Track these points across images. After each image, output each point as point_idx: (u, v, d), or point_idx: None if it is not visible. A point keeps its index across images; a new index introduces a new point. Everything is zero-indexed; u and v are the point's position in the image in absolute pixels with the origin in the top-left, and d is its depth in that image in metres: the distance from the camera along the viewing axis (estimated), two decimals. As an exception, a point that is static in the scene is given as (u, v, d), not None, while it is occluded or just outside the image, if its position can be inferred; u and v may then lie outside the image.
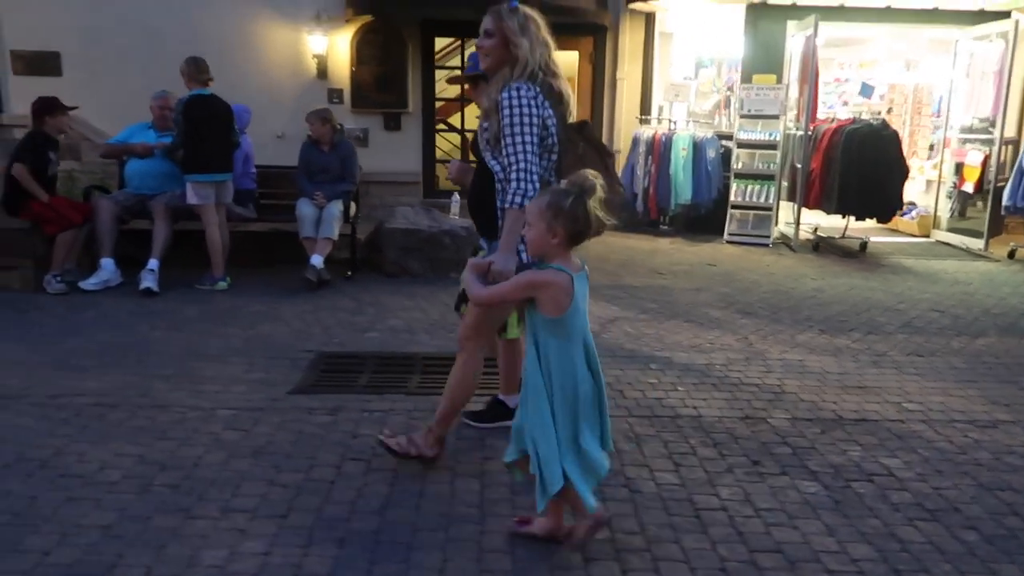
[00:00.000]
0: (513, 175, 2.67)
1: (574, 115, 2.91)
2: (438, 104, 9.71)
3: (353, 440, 3.22)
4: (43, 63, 9.04)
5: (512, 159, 2.67)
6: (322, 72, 9.29)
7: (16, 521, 2.53)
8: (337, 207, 5.96)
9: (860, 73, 10.28)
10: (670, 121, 8.92)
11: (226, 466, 2.94)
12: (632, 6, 9.05)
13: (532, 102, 2.67)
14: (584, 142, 2.90)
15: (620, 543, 2.52)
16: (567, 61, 11.37)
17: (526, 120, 2.66)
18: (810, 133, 8.01)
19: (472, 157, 3.16)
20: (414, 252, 6.20)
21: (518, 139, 2.66)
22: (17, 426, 3.24)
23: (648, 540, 2.54)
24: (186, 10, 8.98)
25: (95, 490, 2.74)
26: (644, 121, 9.18)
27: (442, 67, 9.80)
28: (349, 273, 6.16)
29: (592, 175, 2.30)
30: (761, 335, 4.96)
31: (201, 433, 3.22)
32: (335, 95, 9.36)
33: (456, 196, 7.25)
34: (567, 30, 9.35)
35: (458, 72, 9.36)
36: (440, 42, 9.78)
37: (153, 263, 5.54)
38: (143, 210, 5.84)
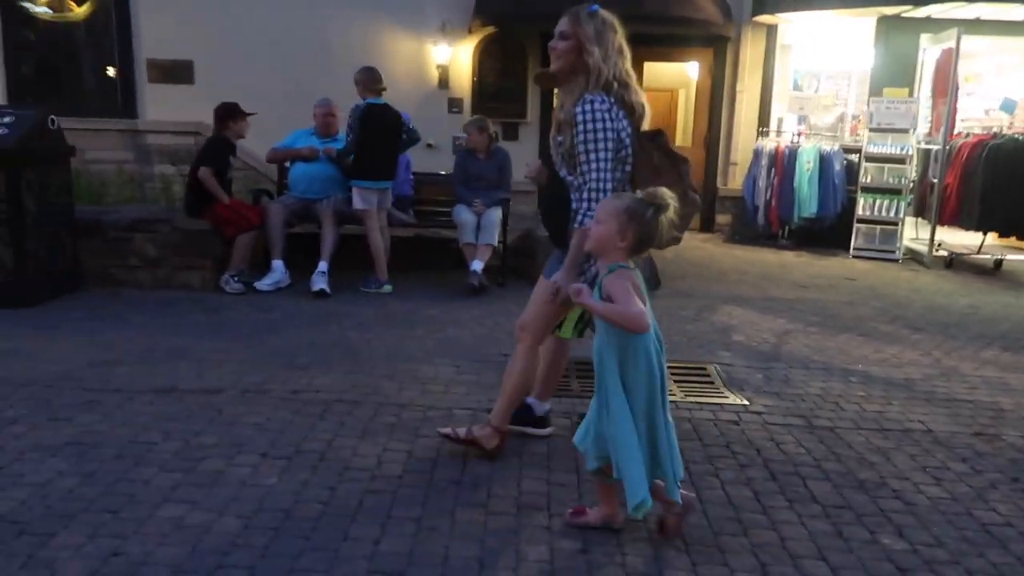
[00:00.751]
0: (586, 194, 2.63)
1: (648, 124, 2.84)
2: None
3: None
4: (177, 72, 9.38)
5: (588, 177, 2.62)
6: (443, 82, 9.46)
7: (330, 511, 2.62)
8: (497, 214, 6.06)
9: (980, 87, 10.06)
10: (793, 134, 8.85)
11: (495, 464, 3.01)
12: (757, 18, 9.03)
13: (607, 115, 2.62)
14: (658, 151, 2.83)
15: (923, 555, 2.50)
16: (677, 72, 11.40)
17: (600, 136, 2.61)
18: (947, 147, 7.87)
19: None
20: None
21: (591, 155, 2.62)
22: (280, 420, 3.36)
23: (951, 554, 2.52)
24: (314, 21, 9.23)
25: (386, 483, 2.83)
26: (764, 133, 9.13)
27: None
28: (501, 281, 6.24)
29: (669, 196, 2.32)
30: (943, 351, 4.89)
31: (451, 432, 3.30)
32: (455, 104, 9.53)
33: None
34: (688, 41, 9.41)
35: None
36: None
37: (323, 265, 5.70)
38: (308, 214, 6.01)
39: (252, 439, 3.16)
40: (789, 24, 9.10)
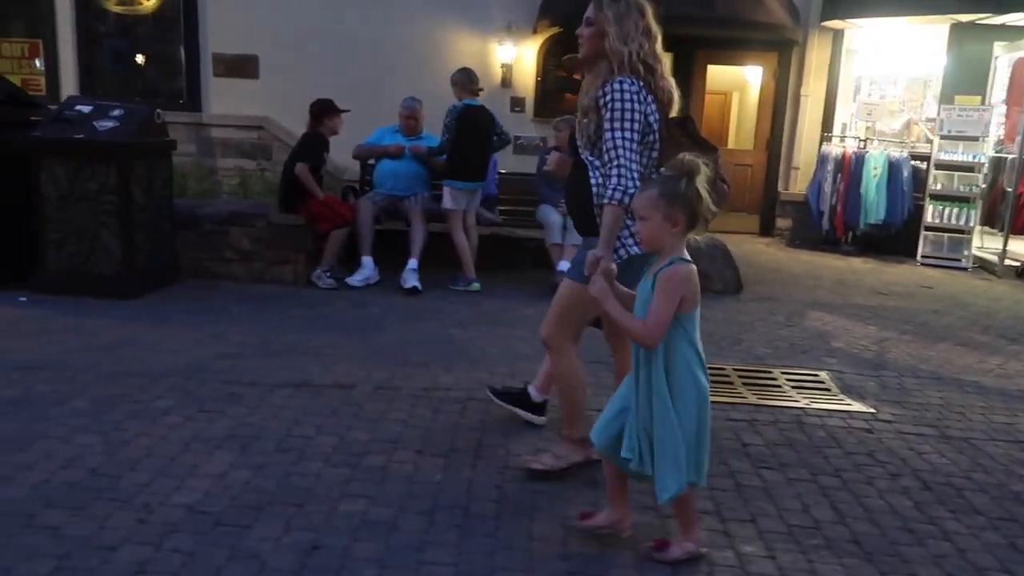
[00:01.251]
0: (613, 170, 2.57)
1: (676, 111, 2.79)
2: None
3: (744, 446, 3.29)
4: (242, 66, 9.43)
5: (612, 153, 2.58)
6: (506, 81, 9.47)
7: (507, 510, 2.65)
8: (582, 215, 6.06)
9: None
10: (860, 139, 8.81)
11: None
12: (826, 23, 8.99)
13: (635, 96, 2.59)
14: (686, 138, 2.77)
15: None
16: (732, 74, 11.35)
17: (627, 116, 2.57)
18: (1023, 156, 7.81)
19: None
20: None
21: (618, 134, 2.57)
22: (421, 417, 3.40)
23: None
24: (379, 19, 9.26)
25: (552, 483, 2.85)
26: (828, 139, 9.10)
27: (624, 79, 9.88)
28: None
29: (691, 158, 2.22)
30: (1048, 363, 4.86)
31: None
32: (517, 104, 9.55)
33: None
34: (752, 45, 9.37)
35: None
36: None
37: (413, 263, 5.73)
38: (395, 210, 6.05)
39: (403, 436, 3.19)
40: (858, 29, 9.05)
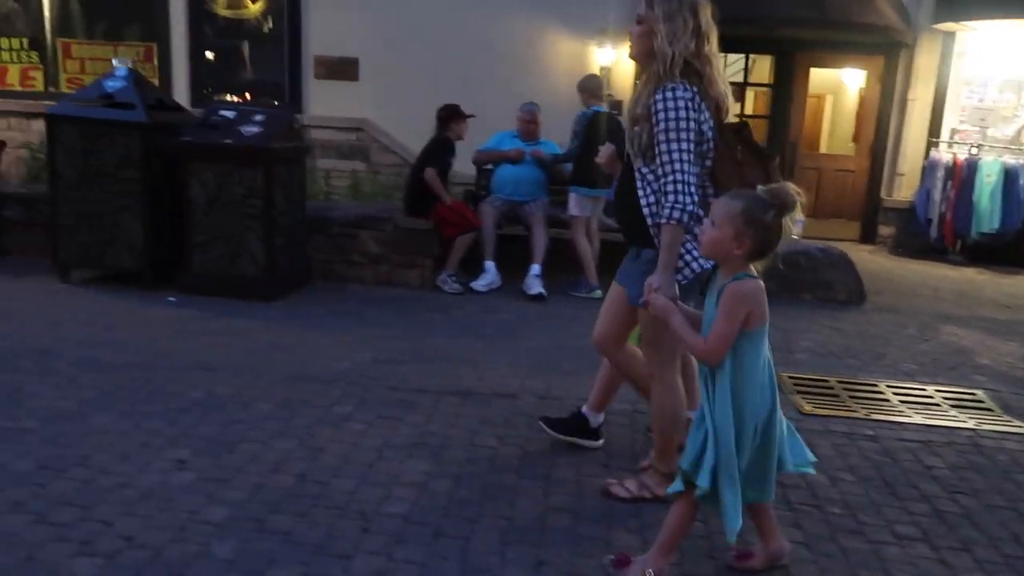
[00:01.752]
0: (670, 187, 2.46)
1: (730, 115, 2.65)
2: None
3: (927, 469, 3.22)
4: (342, 69, 9.58)
5: (667, 168, 2.47)
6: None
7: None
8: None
9: None
10: (971, 146, 8.54)
11: (860, 486, 2.99)
12: (937, 26, 8.73)
13: (688, 104, 2.46)
14: (743, 145, 2.63)
15: None
16: (827, 77, 11.11)
17: (682, 126, 2.45)
18: None
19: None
20: (770, 271, 6.17)
21: (673, 147, 2.46)
22: (620, 428, 3.41)
23: None
24: (476, 22, 9.31)
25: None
26: (936, 144, 8.84)
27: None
28: (702, 290, 6.18)
29: (795, 191, 2.12)
30: None
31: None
32: (614, 107, 9.47)
33: (801, 216, 7.17)
34: (859, 47, 9.16)
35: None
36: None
37: (536, 268, 5.76)
38: (515, 216, 6.08)
39: (581, 448, 3.20)
40: (970, 32, 8.77)
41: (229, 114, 5.27)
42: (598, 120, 5.68)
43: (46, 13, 9.04)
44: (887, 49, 9.09)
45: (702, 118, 2.51)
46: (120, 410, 3.30)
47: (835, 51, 9.29)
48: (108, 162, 5.05)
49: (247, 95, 9.26)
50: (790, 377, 4.29)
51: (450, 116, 5.86)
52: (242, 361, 3.99)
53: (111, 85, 5.18)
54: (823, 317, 5.66)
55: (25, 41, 9.11)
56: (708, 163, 2.59)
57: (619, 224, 2.94)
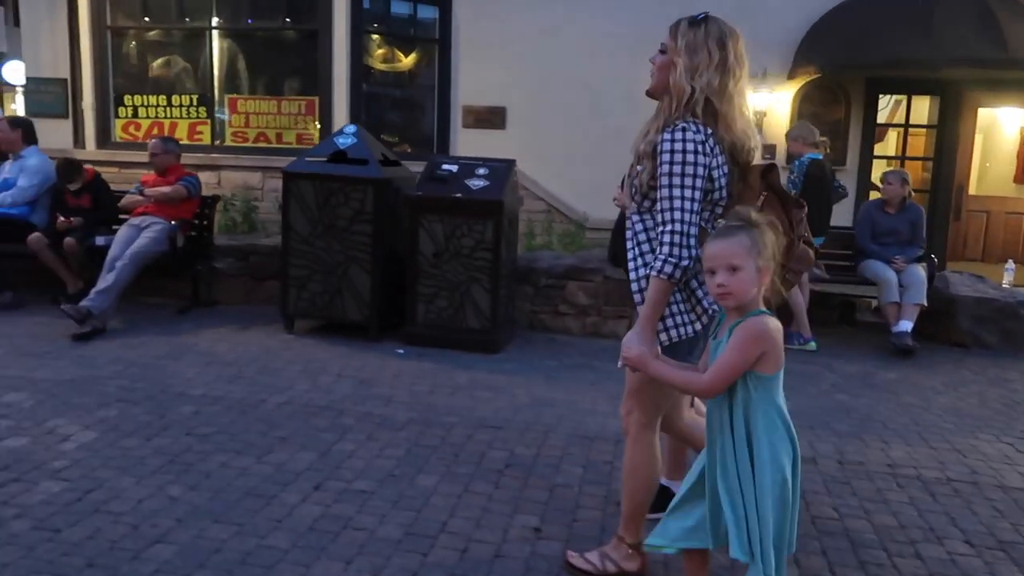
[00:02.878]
0: (667, 236, 2.20)
1: (756, 157, 2.41)
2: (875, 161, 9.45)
3: None
4: (490, 118, 9.72)
5: (667, 216, 2.21)
6: (756, 127, 9.31)
7: None
8: (920, 271, 5.79)
9: None
10: None
11: None
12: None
13: (700, 147, 2.21)
14: (768, 190, 2.38)
15: None
16: (986, 116, 10.70)
17: (689, 170, 2.20)
18: None
19: None
20: (987, 322, 5.89)
21: (676, 192, 2.20)
22: (949, 499, 3.23)
23: None
24: (627, 67, 9.16)
25: None
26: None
27: (884, 125, 9.55)
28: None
29: (756, 212, 2.03)
30: None
31: None
32: (767, 151, 9.36)
33: (1010, 263, 6.89)
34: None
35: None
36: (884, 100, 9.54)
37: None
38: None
39: (937, 523, 3.01)
40: None
41: (452, 167, 5.33)
42: (814, 167, 5.55)
43: (215, 72, 9.45)
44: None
45: (715, 163, 2.28)
46: (438, 471, 3.27)
47: (1005, 89, 8.98)
48: (341, 216, 5.15)
49: (406, 147, 9.50)
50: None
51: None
52: (517, 418, 3.94)
53: (343, 142, 5.31)
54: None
55: (195, 98, 9.53)
56: (718, 210, 2.36)
57: (612, 251, 2.78)
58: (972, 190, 11.19)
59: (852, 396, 4.63)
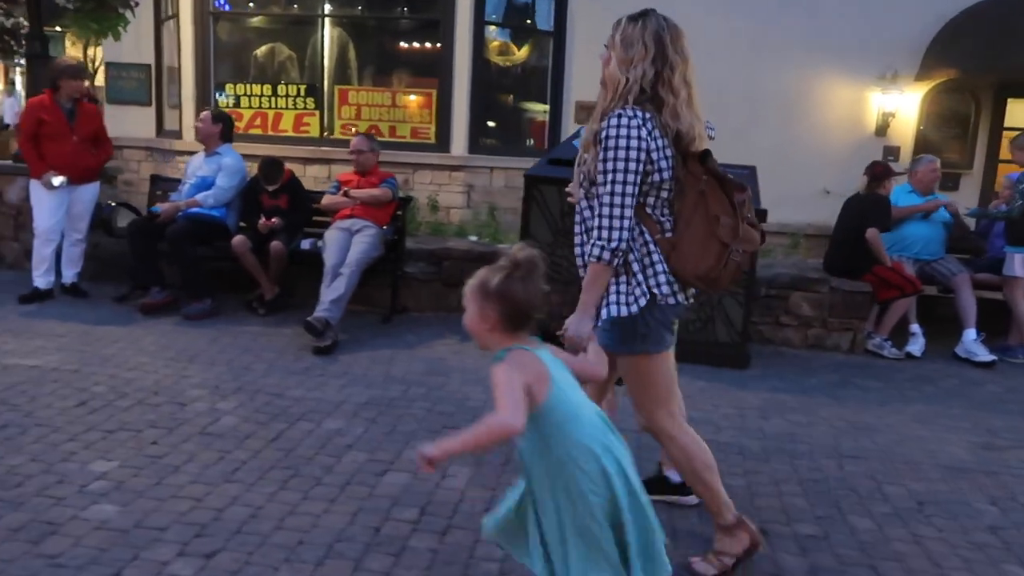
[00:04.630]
0: (598, 220, 2.26)
1: (701, 144, 2.40)
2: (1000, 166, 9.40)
3: None
4: (604, 112, 9.49)
5: (604, 199, 2.26)
6: (880, 129, 9.23)
7: None
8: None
9: None
10: None
11: None
12: None
13: (638, 132, 2.24)
14: (708, 175, 2.37)
15: None
16: None
17: (621, 155, 2.23)
18: None
19: None
20: None
21: (609, 177, 2.24)
22: None
23: None
24: (747, 68, 9.12)
25: None
26: None
27: (1012, 128, 9.48)
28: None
29: (531, 247, 1.91)
30: None
31: None
32: (891, 153, 9.26)
33: None
34: None
35: None
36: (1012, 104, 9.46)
37: (973, 333, 5.49)
38: (921, 275, 5.80)
39: None
40: None
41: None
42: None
43: (325, 62, 9.07)
44: None
45: (654, 146, 2.28)
46: (843, 508, 3.09)
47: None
48: (588, 224, 4.90)
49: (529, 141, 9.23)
50: None
51: (885, 174, 5.64)
52: (849, 445, 3.77)
53: (584, 144, 5.04)
54: None
55: (302, 88, 9.14)
56: (664, 195, 2.37)
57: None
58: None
59: None
